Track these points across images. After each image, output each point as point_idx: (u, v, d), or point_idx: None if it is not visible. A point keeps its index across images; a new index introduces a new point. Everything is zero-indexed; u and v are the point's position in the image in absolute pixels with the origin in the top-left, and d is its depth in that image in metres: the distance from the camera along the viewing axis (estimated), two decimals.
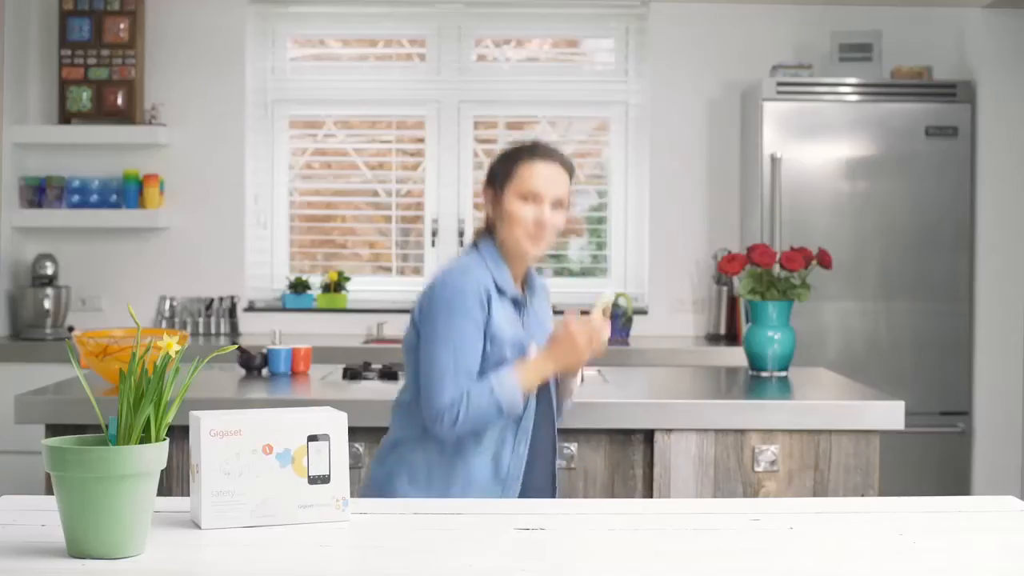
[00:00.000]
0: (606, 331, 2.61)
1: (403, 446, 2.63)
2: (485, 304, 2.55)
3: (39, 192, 5.25)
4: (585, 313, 2.68)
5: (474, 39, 5.54)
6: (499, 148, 2.87)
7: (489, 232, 2.69)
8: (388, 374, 3.74)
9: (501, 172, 2.65)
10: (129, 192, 5.25)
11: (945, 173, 5.00)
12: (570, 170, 2.67)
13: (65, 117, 5.22)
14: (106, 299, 5.33)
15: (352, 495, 1.98)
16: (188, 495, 1.94)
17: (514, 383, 2.53)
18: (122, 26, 5.22)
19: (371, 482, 2.66)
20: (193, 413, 1.92)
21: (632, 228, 5.48)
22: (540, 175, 2.60)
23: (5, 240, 5.18)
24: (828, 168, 4.97)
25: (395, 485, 2.60)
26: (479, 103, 5.48)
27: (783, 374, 3.71)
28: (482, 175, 2.98)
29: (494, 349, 2.55)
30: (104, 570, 1.66)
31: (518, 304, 2.64)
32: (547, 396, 2.69)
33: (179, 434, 2.06)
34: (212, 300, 5.31)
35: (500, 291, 2.60)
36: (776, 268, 3.70)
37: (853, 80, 5.01)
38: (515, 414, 2.56)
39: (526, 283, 2.73)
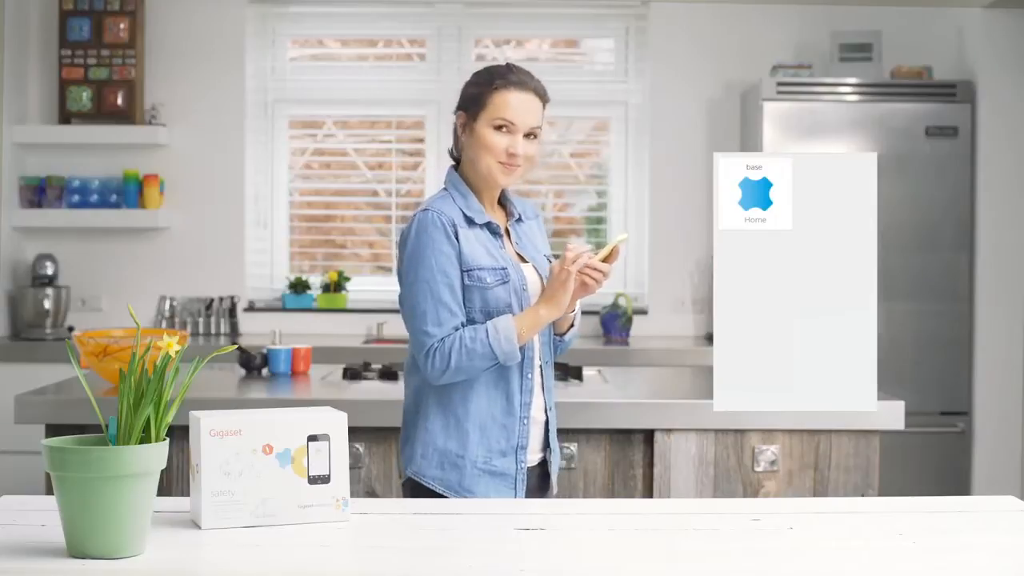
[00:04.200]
0: (607, 268, 2.52)
1: (419, 392, 2.62)
2: (452, 236, 2.52)
3: (39, 192, 5.25)
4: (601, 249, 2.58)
5: (474, 39, 5.54)
6: (471, 71, 2.72)
7: (457, 161, 2.66)
8: (388, 374, 3.74)
9: (474, 98, 2.58)
10: (129, 192, 5.25)
11: (945, 173, 5.00)
12: (544, 98, 2.62)
13: (65, 117, 5.22)
14: (106, 299, 5.33)
15: (352, 495, 1.98)
16: (188, 495, 1.94)
17: (510, 330, 2.48)
18: (122, 26, 5.22)
19: (403, 429, 2.65)
20: (193, 413, 1.92)
21: (632, 228, 5.47)
22: (514, 104, 2.55)
23: (5, 240, 5.18)
24: None
25: (426, 426, 2.58)
26: None
27: None
28: None
29: (471, 278, 2.52)
30: (104, 570, 1.66)
31: (495, 230, 2.60)
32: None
33: (179, 434, 2.06)
34: (212, 300, 5.31)
35: (469, 221, 2.56)
36: None
37: (853, 80, 5.01)
38: (512, 362, 2.51)
39: (507, 207, 2.69)
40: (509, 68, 2.61)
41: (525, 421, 2.59)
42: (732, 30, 5.36)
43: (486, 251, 2.55)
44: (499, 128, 2.55)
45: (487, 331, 2.49)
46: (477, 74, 2.63)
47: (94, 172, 5.32)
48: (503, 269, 2.55)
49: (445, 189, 2.63)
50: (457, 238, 2.53)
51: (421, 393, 2.61)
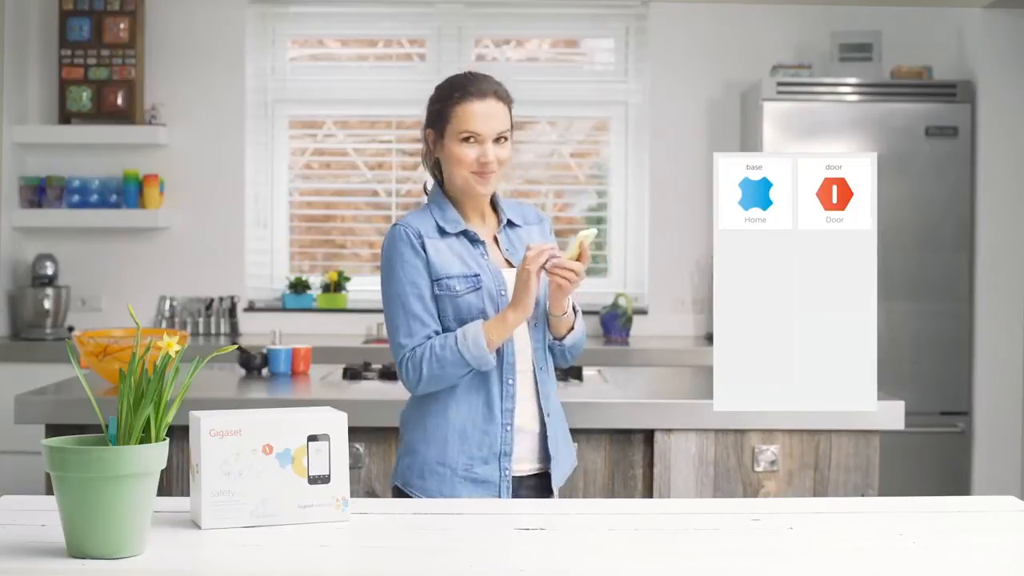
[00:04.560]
0: (579, 266, 2.48)
1: (408, 401, 2.64)
2: (419, 247, 2.55)
3: (39, 192, 5.25)
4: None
5: (474, 39, 5.54)
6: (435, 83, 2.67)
7: (437, 172, 2.66)
8: (388, 374, 3.74)
9: (438, 114, 2.58)
10: (129, 192, 5.25)
11: (945, 173, 5.00)
12: (507, 100, 2.60)
13: (65, 117, 5.22)
14: (106, 299, 5.33)
15: (352, 495, 1.98)
16: (188, 495, 1.94)
17: (478, 335, 2.48)
18: (122, 26, 5.22)
19: (399, 437, 2.66)
20: (193, 413, 1.93)
21: (632, 228, 5.48)
22: (477, 114, 2.53)
23: (5, 240, 5.18)
24: None
25: (410, 435, 2.60)
26: None
27: None
28: None
29: (441, 287, 2.53)
30: (104, 570, 1.66)
31: (473, 238, 2.59)
32: (537, 334, 2.63)
33: (179, 434, 2.06)
34: (212, 300, 5.31)
35: (441, 231, 2.57)
36: None
37: (853, 80, 5.01)
38: (485, 367, 2.51)
39: (498, 213, 2.67)
40: (467, 77, 2.60)
41: (508, 428, 2.56)
42: (732, 30, 5.36)
43: (459, 259, 2.56)
44: (466, 140, 2.54)
45: (456, 337, 2.49)
46: (438, 88, 2.62)
47: (94, 172, 5.32)
48: (475, 276, 2.55)
49: (427, 203, 2.65)
50: (424, 249, 2.55)
51: (408, 401, 2.64)
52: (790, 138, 4.95)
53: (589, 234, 2.52)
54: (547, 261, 2.48)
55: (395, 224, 2.61)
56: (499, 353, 2.54)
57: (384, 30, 5.61)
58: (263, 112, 5.47)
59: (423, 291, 2.54)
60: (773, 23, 5.35)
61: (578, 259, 2.50)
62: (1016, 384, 5.04)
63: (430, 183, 2.72)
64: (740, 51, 5.34)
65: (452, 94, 2.56)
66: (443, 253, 2.55)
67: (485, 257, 2.59)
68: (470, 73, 2.62)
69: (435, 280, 2.54)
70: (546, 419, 2.62)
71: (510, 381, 2.57)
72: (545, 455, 2.62)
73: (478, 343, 2.48)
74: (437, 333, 2.53)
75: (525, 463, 2.60)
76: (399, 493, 2.59)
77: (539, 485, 2.62)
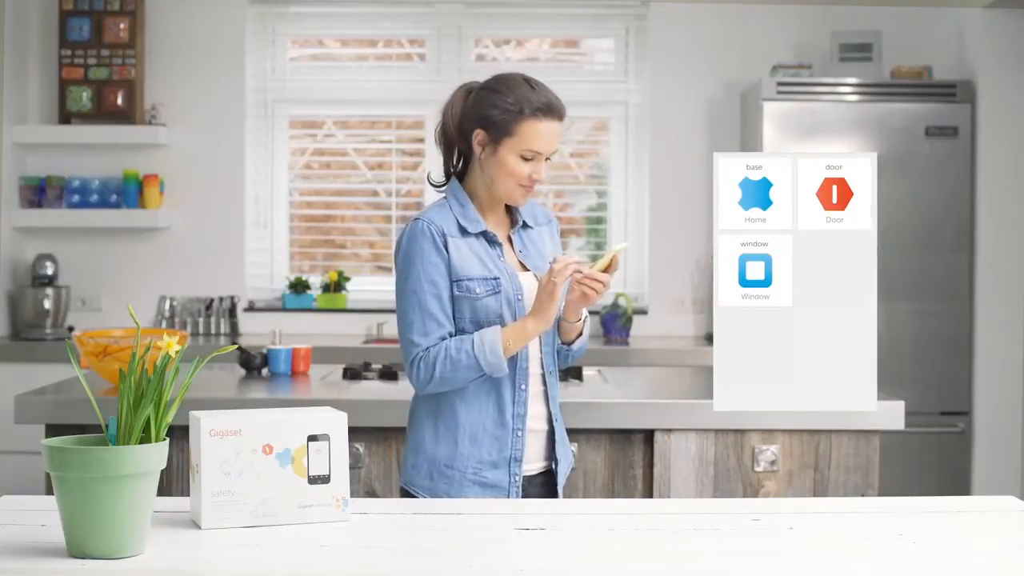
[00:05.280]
0: (606, 278, 2.50)
1: (415, 400, 2.62)
2: (441, 246, 2.51)
3: (39, 192, 5.25)
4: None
5: (474, 39, 5.54)
6: (488, 78, 2.66)
7: (459, 168, 2.64)
8: (388, 374, 3.74)
9: (500, 124, 2.53)
10: (129, 192, 5.25)
11: (945, 173, 5.00)
12: (564, 116, 2.60)
13: (65, 117, 5.22)
14: (106, 299, 5.33)
15: (352, 495, 1.98)
16: (188, 495, 1.94)
17: (496, 342, 2.46)
18: (122, 26, 5.22)
19: (407, 437, 2.64)
20: (193, 413, 1.93)
21: (632, 228, 5.48)
22: (544, 135, 2.52)
23: (5, 240, 5.18)
24: None
25: (418, 435, 2.58)
26: None
27: None
28: None
29: (460, 289, 2.50)
30: (104, 570, 1.66)
31: (492, 239, 2.58)
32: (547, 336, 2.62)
33: (179, 434, 2.06)
34: (212, 300, 5.32)
35: (463, 230, 2.54)
36: None
37: (853, 80, 5.01)
38: (498, 374, 2.49)
39: (512, 214, 2.66)
40: (536, 92, 2.56)
41: (519, 433, 2.55)
42: (732, 30, 5.36)
43: (479, 261, 2.53)
44: (526, 159, 2.52)
45: (472, 342, 2.47)
46: (500, 94, 2.56)
47: (94, 172, 5.32)
48: (495, 279, 2.53)
49: (445, 198, 2.62)
50: (447, 248, 2.51)
51: (415, 401, 2.61)
52: (790, 138, 4.95)
53: (623, 247, 2.54)
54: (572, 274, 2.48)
55: (417, 219, 2.55)
56: (513, 358, 2.53)
57: (384, 30, 5.61)
58: (263, 112, 5.47)
59: (441, 291, 2.51)
60: (773, 23, 5.35)
61: (606, 271, 2.51)
62: (1016, 384, 5.04)
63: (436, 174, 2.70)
64: (740, 51, 5.34)
65: (522, 109, 2.52)
66: (464, 253, 2.53)
67: (502, 259, 2.57)
68: (536, 85, 2.58)
69: (455, 281, 2.51)
70: (555, 423, 2.62)
71: (523, 386, 2.56)
72: (551, 455, 2.62)
73: (495, 350, 2.46)
74: (451, 335, 2.51)
75: (534, 462, 2.60)
76: (406, 494, 2.58)
77: (547, 482, 2.63)
